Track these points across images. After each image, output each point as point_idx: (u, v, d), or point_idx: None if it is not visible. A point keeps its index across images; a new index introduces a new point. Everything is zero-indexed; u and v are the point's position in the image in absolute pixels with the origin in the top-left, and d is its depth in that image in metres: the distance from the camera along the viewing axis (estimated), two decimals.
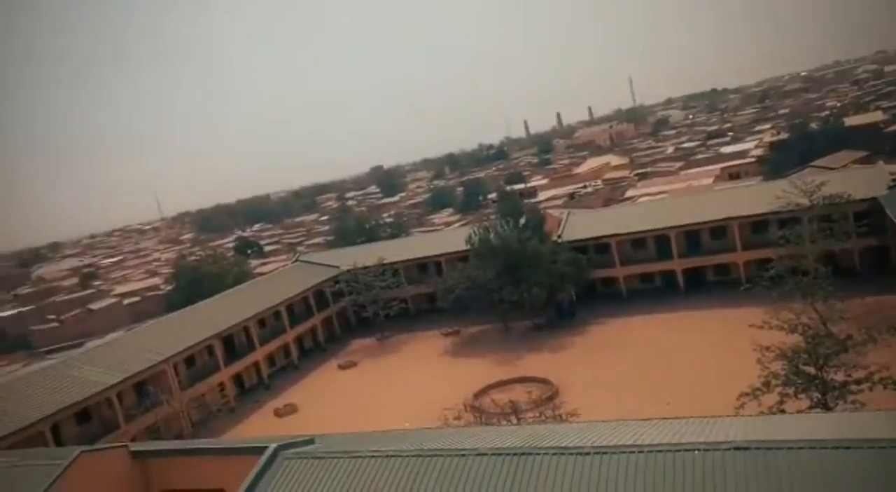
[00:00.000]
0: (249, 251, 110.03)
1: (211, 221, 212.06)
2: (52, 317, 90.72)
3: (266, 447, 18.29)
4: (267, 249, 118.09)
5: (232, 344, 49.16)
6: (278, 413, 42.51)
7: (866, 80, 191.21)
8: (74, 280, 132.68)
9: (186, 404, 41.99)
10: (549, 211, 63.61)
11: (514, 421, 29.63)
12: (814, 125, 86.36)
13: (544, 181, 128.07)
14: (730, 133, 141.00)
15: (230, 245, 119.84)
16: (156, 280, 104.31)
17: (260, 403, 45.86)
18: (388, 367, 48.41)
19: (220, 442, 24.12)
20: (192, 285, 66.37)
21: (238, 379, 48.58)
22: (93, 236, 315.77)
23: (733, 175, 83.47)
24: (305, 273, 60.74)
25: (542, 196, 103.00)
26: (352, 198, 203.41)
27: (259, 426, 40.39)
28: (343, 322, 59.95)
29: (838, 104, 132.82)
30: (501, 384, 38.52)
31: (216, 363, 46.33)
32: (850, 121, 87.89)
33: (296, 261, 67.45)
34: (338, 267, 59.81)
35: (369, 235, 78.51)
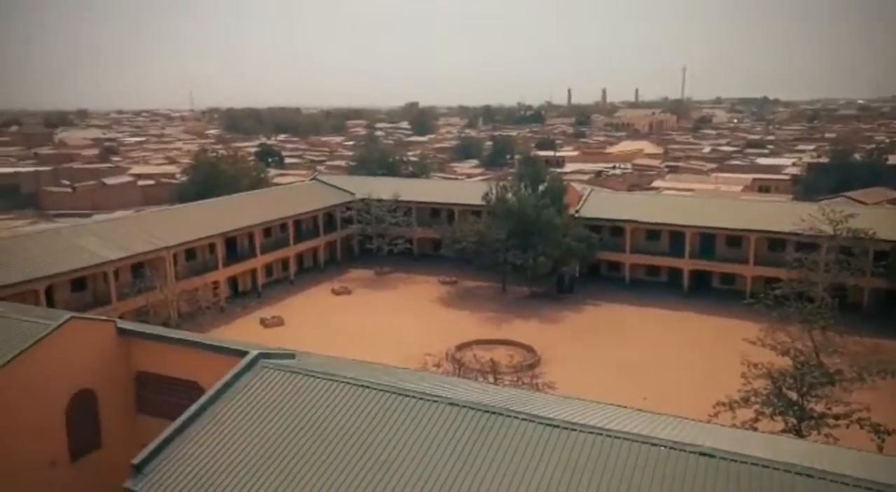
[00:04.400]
0: (270, 160, 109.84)
1: (239, 122, 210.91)
2: (67, 183, 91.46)
3: (247, 352, 18.62)
4: (288, 160, 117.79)
5: (234, 246, 49.56)
6: (265, 323, 43.24)
7: None
8: (95, 151, 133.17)
9: (178, 294, 42.66)
10: (573, 184, 62.89)
11: (491, 380, 29.99)
12: (857, 155, 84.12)
13: (575, 153, 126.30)
14: (770, 145, 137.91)
15: (252, 149, 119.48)
16: (173, 168, 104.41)
17: (249, 309, 46.61)
18: (380, 301, 48.89)
19: (204, 338, 24.54)
20: (207, 181, 66.49)
21: (233, 282, 49.25)
22: (121, 112, 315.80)
23: (763, 188, 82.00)
24: (320, 193, 60.71)
25: (569, 167, 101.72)
26: (381, 129, 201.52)
27: (244, 331, 41.08)
28: (346, 249, 60.26)
29: (887, 140, 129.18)
30: (486, 342, 38.88)
31: (215, 262, 46.86)
32: (894, 158, 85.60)
33: (313, 179, 67.33)
34: (353, 194, 59.69)
35: (391, 168, 78.02)
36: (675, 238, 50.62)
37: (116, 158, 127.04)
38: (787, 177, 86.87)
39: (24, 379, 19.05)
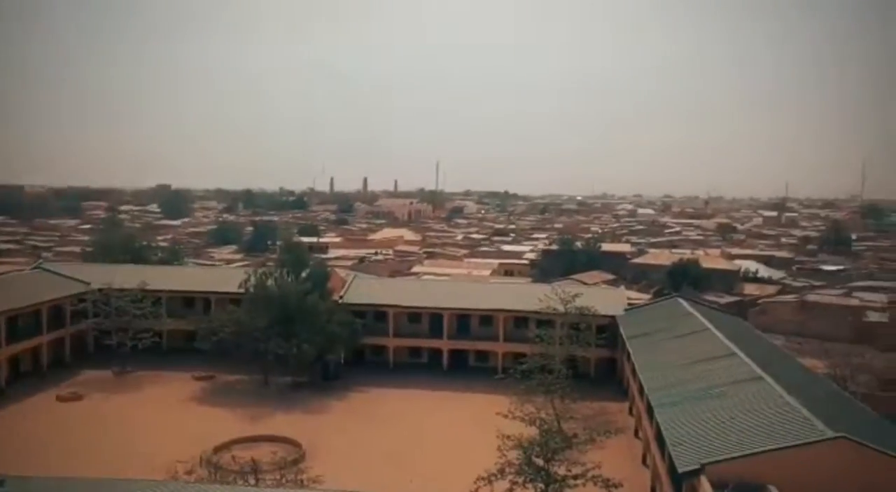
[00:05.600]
0: None
1: None
2: None
3: None
4: (2, 246, 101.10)
5: None
6: None
7: (623, 215, 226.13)
8: None
9: None
10: (337, 269, 63.43)
11: (252, 482, 27.79)
12: (578, 243, 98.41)
13: (338, 239, 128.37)
14: (512, 233, 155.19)
15: None
16: None
17: None
18: (121, 405, 42.92)
19: None
20: None
21: None
22: None
23: (508, 271, 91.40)
24: (45, 283, 52.68)
25: (332, 253, 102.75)
26: (126, 211, 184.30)
27: None
28: (78, 347, 52.49)
29: (600, 230, 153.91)
30: (247, 440, 36.16)
31: None
32: (606, 246, 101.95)
33: (36, 267, 58.38)
34: (88, 283, 52.95)
35: (137, 255, 70.89)
36: (434, 320, 53.39)
37: None
38: (526, 261, 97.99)
39: None
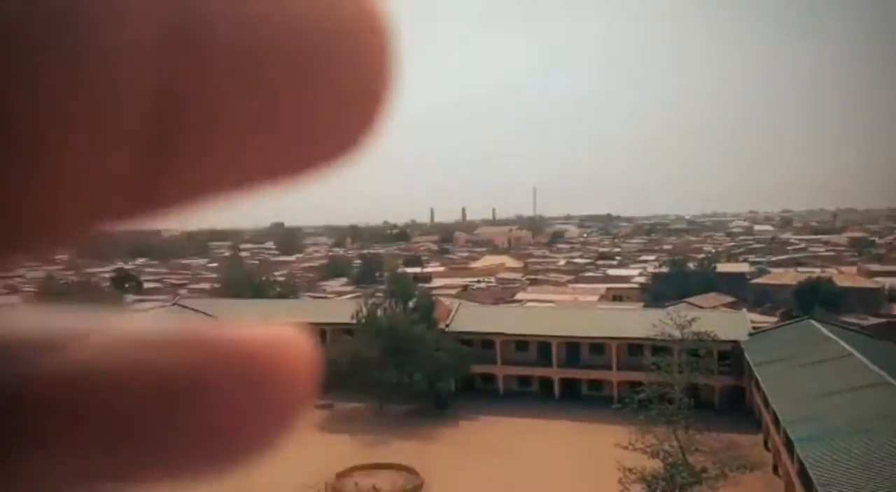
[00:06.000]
0: (127, 285, 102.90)
1: (94, 247, 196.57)
2: None
3: None
4: (147, 286, 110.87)
5: None
6: None
7: (738, 233, 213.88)
8: None
9: None
10: (441, 299, 64.33)
11: None
12: (691, 264, 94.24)
13: (441, 269, 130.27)
14: (618, 257, 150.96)
15: (108, 275, 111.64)
16: (13, 299, 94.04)
17: None
18: None
19: None
20: None
21: None
22: None
23: (617, 297, 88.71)
24: (178, 319, 57.06)
25: (436, 283, 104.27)
26: (246, 250, 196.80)
27: None
28: None
29: (713, 250, 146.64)
30: (367, 468, 37.14)
31: None
32: (722, 267, 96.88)
33: (173, 304, 63.51)
34: (216, 318, 56.67)
35: (258, 290, 75.64)
36: (542, 348, 52.70)
37: None
38: (636, 285, 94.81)
39: None
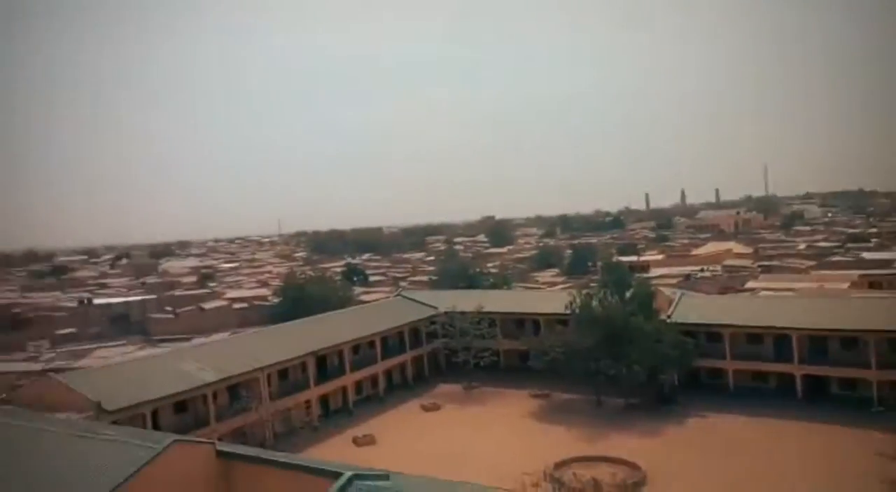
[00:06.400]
0: (355, 278, 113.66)
1: (324, 244, 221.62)
2: (169, 309, 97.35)
3: (342, 474, 18.29)
4: (372, 278, 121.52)
5: (325, 365, 50.34)
6: (357, 441, 42.76)
7: None
8: (194, 278, 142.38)
9: (273, 414, 43.20)
10: (661, 288, 60.98)
11: None
12: None
13: (659, 257, 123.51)
14: (875, 239, 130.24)
15: (338, 269, 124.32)
16: (265, 291, 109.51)
17: (341, 428, 46.38)
18: (471, 416, 47.57)
19: (299, 459, 24.39)
20: (297, 301, 69.20)
21: (324, 400, 49.51)
22: (216, 240, 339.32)
23: (874, 284, 76.38)
24: (404, 308, 61.60)
25: (654, 272, 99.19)
26: (460, 243, 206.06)
27: (337, 451, 40.62)
28: (433, 364, 59.91)
29: None
30: (586, 459, 36.59)
31: (307, 381, 47.54)
32: None
33: (397, 295, 68.67)
34: (436, 308, 60.16)
35: (471, 281, 78.72)
36: (780, 341, 47.37)
37: (213, 284, 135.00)
38: None
39: None
